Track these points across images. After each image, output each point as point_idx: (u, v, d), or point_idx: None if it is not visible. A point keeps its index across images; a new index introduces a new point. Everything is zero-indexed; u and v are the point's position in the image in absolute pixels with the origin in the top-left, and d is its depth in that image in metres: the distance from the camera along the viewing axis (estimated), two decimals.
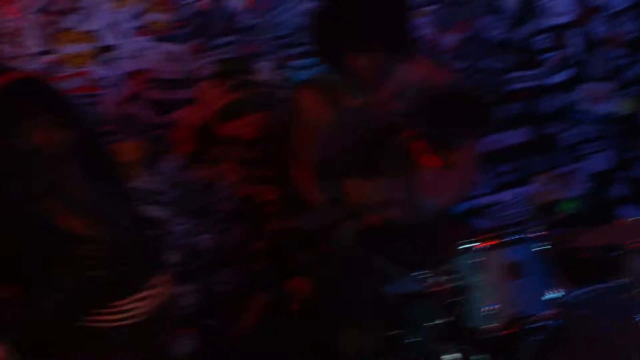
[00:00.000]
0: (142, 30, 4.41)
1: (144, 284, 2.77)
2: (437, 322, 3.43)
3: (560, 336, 3.43)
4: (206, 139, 4.54)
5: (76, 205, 2.51)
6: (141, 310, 2.76)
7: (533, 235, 3.48)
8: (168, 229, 4.47)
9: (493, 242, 3.42)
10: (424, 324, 3.46)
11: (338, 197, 3.86)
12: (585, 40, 4.96)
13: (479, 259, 3.40)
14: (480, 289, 3.39)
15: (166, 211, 4.50)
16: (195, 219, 4.58)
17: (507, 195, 4.94)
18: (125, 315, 2.73)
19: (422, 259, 3.45)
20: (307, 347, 4.26)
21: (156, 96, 4.46)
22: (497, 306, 3.36)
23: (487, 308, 3.37)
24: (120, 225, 2.59)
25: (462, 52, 4.78)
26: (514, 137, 4.95)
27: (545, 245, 3.47)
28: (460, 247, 3.44)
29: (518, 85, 4.92)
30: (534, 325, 3.40)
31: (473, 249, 3.42)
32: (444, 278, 3.40)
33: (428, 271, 3.41)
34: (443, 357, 3.43)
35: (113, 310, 2.71)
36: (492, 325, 3.36)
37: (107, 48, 4.36)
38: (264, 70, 4.57)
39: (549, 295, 3.42)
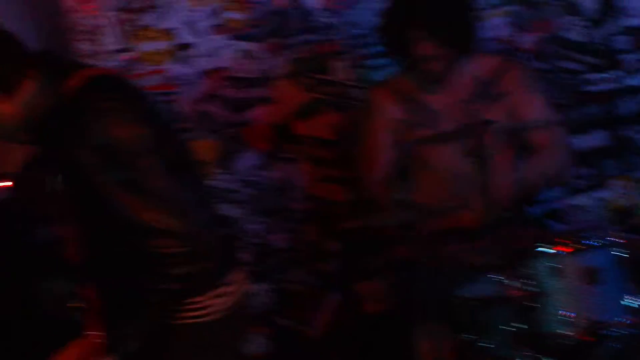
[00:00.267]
0: (218, 28, 4.44)
1: (221, 280, 2.78)
2: (511, 326, 3.38)
3: (638, 344, 3.37)
4: (281, 138, 4.55)
5: (156, 199, 2.53)
6: (219, 307, 2.76)
7: (610, 240, 3.43)
8: (242, 228, 4.48)
9: (570, 247, 3.37)
10: (498, 329, 3.42)
11: (411, 198, 3.84)
12: None
13: (555, 264, 3.35)
14: (557, 295, 3.34)
15: (240, 210, 4.51)
16: (268, 218, 4.59)
17: (583, 200, 4.87)
18: (203, 312, 2.74)
19: (497, 261, 3.41)
20: (379, 349, 4.24)
21: (232, 94, 4.48)
22: (573, 312, 3.31)
23: (562, 314, 3.32)
24: (199, 220, 2.60)
25: (541, 53, 4.72)
26: (591, 140, 4.88)
27: (622, 251, 3.41)
28: (537, 251, 3.40)
29: (596, 87, 4.84)
30: (611, 332, 3.34)
31: (550, 253, 3.38)
32: (519, 282, 3.35)
33: (503, 274, 3.37)
34: None
35: (192, 307, 2.72)
36: (567, 331, 3.31)
37: (184, 46, 4.39)
38: (340, 69, 4.56)
39: (626, 302, 3.36)
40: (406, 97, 3.91)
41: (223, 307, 2.77)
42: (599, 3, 4.77)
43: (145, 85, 4.22)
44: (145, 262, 2.56)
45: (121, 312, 2.64)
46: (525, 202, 4.05)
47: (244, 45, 4.47)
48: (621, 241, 3.43)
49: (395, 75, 4.00)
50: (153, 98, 2.83)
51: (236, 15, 4.44)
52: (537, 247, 3.40)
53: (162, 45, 4.36)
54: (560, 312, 3.32)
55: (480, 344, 3.47)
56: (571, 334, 3.31)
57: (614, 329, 3.34)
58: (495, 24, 4.63)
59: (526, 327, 3.36)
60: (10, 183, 3.71)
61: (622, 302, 3.35)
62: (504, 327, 3.38)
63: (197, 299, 2.72)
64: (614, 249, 3.41)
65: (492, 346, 3.44)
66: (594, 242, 3.41)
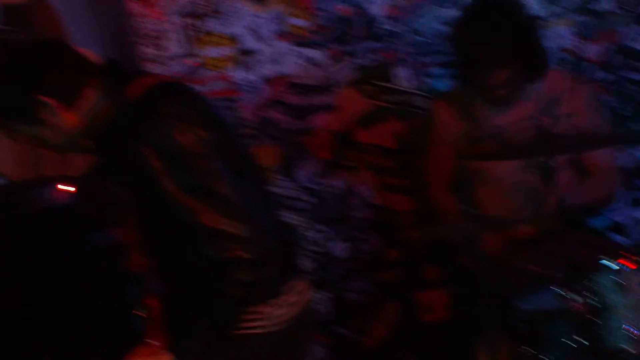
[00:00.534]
0: (282, 35, 4.44)
1: (283, 288, 2.77)
2: (572, 341, 3.34)
3: None
4: (343, 145, 4.54)
5: (220, 204, 2.54)
6: (281, 317, 2.76)
7: None
8: (302, 236, 4.48)
9: (634, 263, 3.32)
10: (559, 343, 3.38)
11: (474, 209, 3.81)
12: None
13: (620, 279, 3.30)
14: (620, 310, 3.29)
15: (300, 218, 4.51)
16: (329, 226, 4.58)
17: None
18: (264, 322, 2.74)
19: (560, 274, 3.37)
20: None
21: (294, 101, 4.48)
22: (636, 329, 3.26)
23: (625, 330, 3.27)
24: (261, 226, 2.60)
25: (606, 63, 4.67)
26: None
27: None
28: (600, 264, 3.35)
29: None
30: None
31: (613, 267, 3.33)
32: (582, 295, 3.31)
33: (566, 287, 3.33)
34: None
35: (253, 316, 2.72)
36: (629, 348, 3.26)
37: (248, 52, 4.40)
38: (403, 77, 4.54)
39: None
40: (468, 109, 3.88)
41: (285, 318, 2.77)
42: None
43: (209, 90, 4.24)
44: (208, 267, 2.57)
45: (183, 321, 2.64)
46: (588, 214, 4.01)
47: (308, 52, 4.47)
48: None
49: (459, 88, 3.96)
50: (216, 103, 2.83)
51: (300, 22, 4.45)
52: (601, 261, 3.36)
53: (225, 50, 4.38)
54: (623, 327, 3.28)
55: (540, 357, 3.43)
56: (634, 350, 3.26)
57: None
58: (559, 33, 4.58)
59: (588, 342, 3.31)
60: (73, 188, 3.74)
61: None
62: (565, 341, 3.34)
63: (259, 307, 2.72)
64: None
65: None
66: None
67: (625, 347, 3.27)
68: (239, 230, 2.54)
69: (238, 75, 4.40)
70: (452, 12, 4.25)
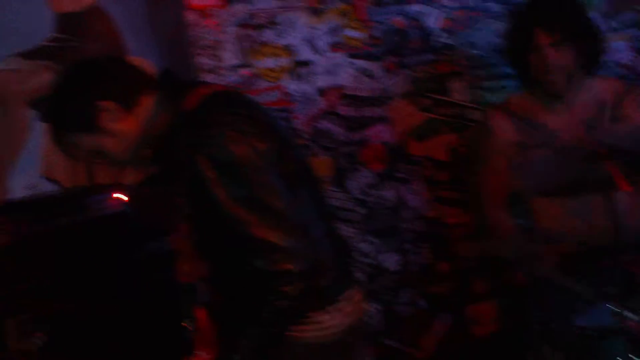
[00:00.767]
0: (337, 46, 4.44)
1: (337, 297, 2.76)
2: (627, 359, 3.31)
3: None
4: (396, 157, 4.53)
5: (274, 217, 2.54)
6: (334, 327, 2.75)
7: None
8: (354, 247, 4.47)
9: None
10: None
11: (530, 223, 3.79)
12: None
13: None
14: None
15: (352, 229, 4.50)
16: (380, 238, 4.57)
17: None
18: (317, 332, 2.73)
19: (616, 291, 3.34)
20: None
21: (348, 113, 4.48)
22: None
23: None
24: (315, 238, 2.59)
25: None
26: None
27: None
28: None
29: None
30: None
31: None
32: (638, 314, 3.28)
33: (622, 305, 3.29)
34: None
35: (306, 325, 2.71)
36: None
37: (303, 63, 4.41)
38: (457, 90, 4.53)
39: None
40: (523, 117, 3.85)
41: (340, 328, 2.76)
42: None
43: (263, 101, 4.25)
44: (260, 279, 2.56)
45: (232, 333, 2.64)
46: None
47: (362, 63, 4.47)
48: None
49: (513, 95, 3.94)
50: (273, 113, 2.84)
51: (355, 34, 4.45)
52: None
53: (281, 61, 4.38)
54: None
55: None
56: None
57: None
58: (616, 48, 4.55)
59: None
60: (126, 197, 3.76)
61: None
62: (620, 359, 3.31)
63: (312, 315, 2.71)
64: None
65: None
66: None
67: None
68: (289, 243, 2.53)
69: (292, 86, 4.40)
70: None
